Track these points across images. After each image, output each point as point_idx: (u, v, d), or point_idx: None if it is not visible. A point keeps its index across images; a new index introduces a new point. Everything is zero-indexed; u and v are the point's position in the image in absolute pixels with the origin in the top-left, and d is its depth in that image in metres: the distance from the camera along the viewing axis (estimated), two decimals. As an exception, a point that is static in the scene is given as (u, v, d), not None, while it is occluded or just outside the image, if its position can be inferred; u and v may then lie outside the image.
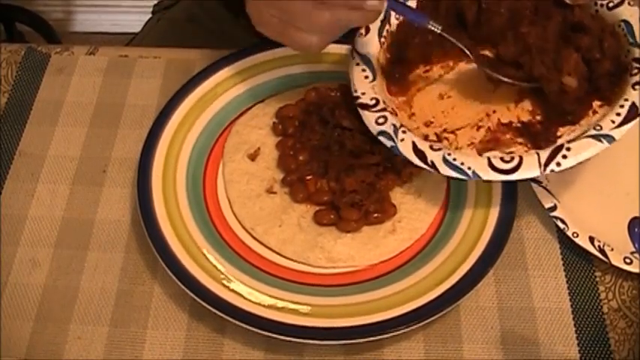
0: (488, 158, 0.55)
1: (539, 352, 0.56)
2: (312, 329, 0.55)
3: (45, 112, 0.72)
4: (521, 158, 0.55)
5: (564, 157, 0.54)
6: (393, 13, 0.64)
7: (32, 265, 0.62)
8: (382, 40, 0.64)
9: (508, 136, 0.59)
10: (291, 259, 0.60)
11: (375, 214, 0.61)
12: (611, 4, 0.61)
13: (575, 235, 0.60)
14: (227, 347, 0.57)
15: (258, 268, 0.60)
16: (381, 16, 0.63)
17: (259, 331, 0.55)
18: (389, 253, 0.60)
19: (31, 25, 1.73)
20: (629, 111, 0.55)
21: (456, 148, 0.58)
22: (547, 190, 0.62)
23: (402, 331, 0.55)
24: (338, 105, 0.65)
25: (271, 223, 0.62)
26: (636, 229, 0.61)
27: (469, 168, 0.55)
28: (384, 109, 0.59)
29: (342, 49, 0.71)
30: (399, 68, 0.64)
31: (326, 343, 0.56)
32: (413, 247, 0.61)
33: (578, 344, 0.57)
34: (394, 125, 0.58)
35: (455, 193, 0.63)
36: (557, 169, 0.54)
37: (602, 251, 0.59)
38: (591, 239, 0.59)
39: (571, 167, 0.54)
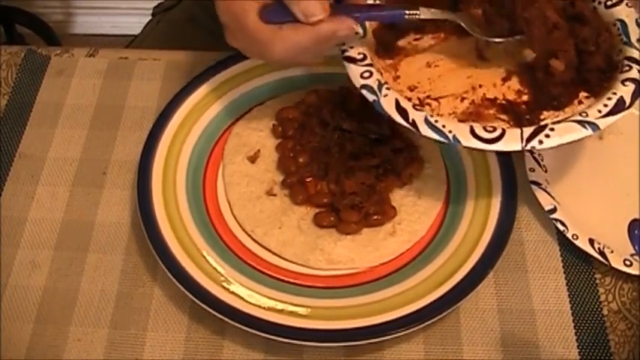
0: (471, 126, 0.55)
1: (539, 354, 0.56)
2: (311, 331, 0.54)
3: (45, 114, 0.72)
4: (503, 130, 0.54)
5: (547, 136, 0.53)
6: None
7: (32, 267, 0.62)
8: (376, 2, 0.64)
9: (491, 111, 0.58)
10: (291, 261, 0.60)
11: (375, 216, 0.61)
12: (609, 3, 0.61)
13: (574, 237, 0.60)
14: (227, 349, 0.57)
15: (258, 270, 0.60)
16: None
17: (259, 333, 0.55)
18: (389, 255, 0.60)
19: (31, 27, 1.73)
20: (616, 104, 0.55)
21: (438, 115, 0.57)
22: (547, 192, 0.62)
23: (402, 333, 0.55)
24: (338, 107, 0.66)
25: (271, 225, 0.62)
26: (636, 232, 0.61)
27: (450, 132, 0.54)
28: (370, 65, 0.58)
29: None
30: (390, 32, 0.64)
31: (326, 345, 0.56)
32: (413, 249, 0.61)
33: (578, 346, 0.57)
34: (379, 81, 0.57)
35: (455, 195, 0.63)
36: (538, 146, 0.53)
37: (602, 253, 0.59)
38: (591, 241, 0.59)
39: (551, 148, 0.53)
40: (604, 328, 0.58)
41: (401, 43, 0.64)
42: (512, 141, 0.54)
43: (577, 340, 0.57)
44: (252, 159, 0.66)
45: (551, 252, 0.62)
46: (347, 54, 0.59)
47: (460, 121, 0.57)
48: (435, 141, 0.55)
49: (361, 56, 0.59)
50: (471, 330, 0.58)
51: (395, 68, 0.62)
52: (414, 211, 0.63)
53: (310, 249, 0.60)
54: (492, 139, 0.54)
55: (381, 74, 0.59)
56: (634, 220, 0.62)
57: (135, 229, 0.64)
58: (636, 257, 0.59)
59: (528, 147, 0.53)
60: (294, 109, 0.67)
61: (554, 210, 0.61)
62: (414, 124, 0.55)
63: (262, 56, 0.57)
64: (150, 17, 0.97)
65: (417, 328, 0.55)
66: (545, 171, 0.64)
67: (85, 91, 0.74)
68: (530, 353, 0.57)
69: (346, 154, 0.63)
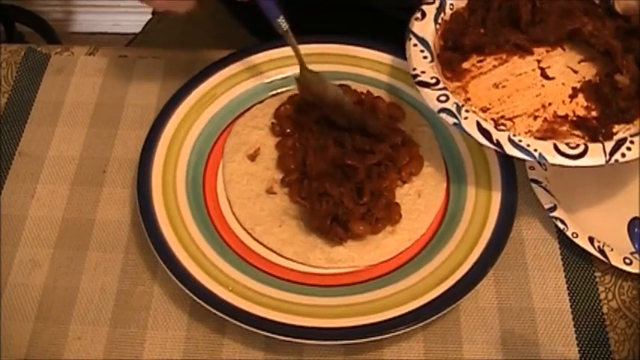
0: (555, 143, 0.56)
1: (538, 352, 0.56)
2: (311, 329, 0.54)
3: (45, 113, 0.72)
4: (586, 146, 0.55)
5: (628, 149, 0.55)
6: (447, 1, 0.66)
7: (32, 265, 0.62)
8: (437, 27, 0.65)
9: (565, 127, 0.60)
10: (291, 260, 0.60)
11: (381, 223, 0.61)
12: None
13: (574, 235, 0.60)
14: (227, 347, 0.57)
15: (258, 268, 0.60)
16: (437, 4, 0.65)
17: (259, 331, 0.55)
18: (389, 254, 0.60)
19: (31, 25, 1.73)
20: None
21: (514, 135, 0.59)
22: (547, 190, 0.62)
23: (402, 331, 0.55)
24: (337, 105, 0.65)
25: (271, 224, 0.62)
26: (636, 230, 0.61)
27: (535, 150, 0.55)
28: (444, 89, 0.59)
29: (342, 49, 0.71)
30: (453, 55, 0.65)
31: (326, 344, 0.56)
32: (413, 248, 0.61)
33: (578, 344, 0.57)
34: (457, 104, 0.58)
35: (454, 194, 0.63)
36: (621, 159, 0.54)
37: (601, 251, 0.59)
38: (591, 239, 0.59)
39: (633, 160, 0.55)
40: (604, 326, 0.58)
41: (465, 65, 0.65)
42: (596, 155, 0.55)
43: (577, 338, 0.57)
44: (252, 157, 0.66)
45: (551, 250, 0.62)
46: (419, 79, 0.60)
47: (537, 139, 0.58)
48: (518, 159, 0.56)
49: (434, 80, 0.60)
50: (470, 328, 0.58)
51: (464, 90, 0.63)
52: (414, 210, 0.63)
53: (310, 247, 0.60)
54: (577, 155, 0.55)
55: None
56: (634, 219, 0.62)
57: (135, 228, 0.64)
58: (636, 255, 0.59)
59: (612, 160, 0.54)
60: (289, 106, 0.67)
61: (554, 208, 0.61)
62: (498, 144, 0.56)
63: None
64: (150, 16, 0.97)
65: (416, 326, 0.55)
66: (545, 169, 0.64)
67: (85, 89, 0.74)
68: (530, 351, 0.57)
69: (346, 152, 0.63)
